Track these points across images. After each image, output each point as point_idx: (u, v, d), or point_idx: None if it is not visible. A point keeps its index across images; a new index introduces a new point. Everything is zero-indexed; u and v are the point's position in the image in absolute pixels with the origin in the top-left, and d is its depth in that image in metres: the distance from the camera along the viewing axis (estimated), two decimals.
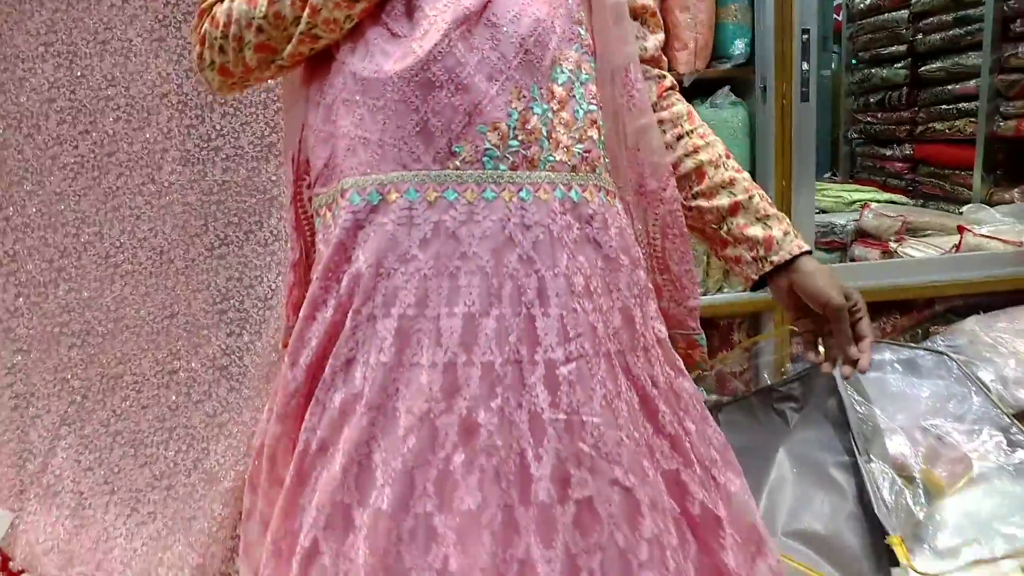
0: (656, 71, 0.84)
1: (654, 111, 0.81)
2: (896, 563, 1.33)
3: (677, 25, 1.64)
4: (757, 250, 0.82)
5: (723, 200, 0.82)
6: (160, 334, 1.33)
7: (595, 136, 0.69)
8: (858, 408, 1.57)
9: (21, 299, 1.32)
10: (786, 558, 1.34)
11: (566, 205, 0.66)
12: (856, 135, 3.22)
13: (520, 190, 0.64)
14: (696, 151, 0.82)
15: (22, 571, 1.33)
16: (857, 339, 0.82)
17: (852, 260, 2.10)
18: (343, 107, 0.66)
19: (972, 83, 2.46)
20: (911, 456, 1.51)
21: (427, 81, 0.63)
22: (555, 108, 0.66)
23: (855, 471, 1.47)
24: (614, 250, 0.68)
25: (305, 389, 0.66)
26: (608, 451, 0.62)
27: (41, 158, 1.28)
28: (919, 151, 2.77)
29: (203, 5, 0.70)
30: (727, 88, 1.75)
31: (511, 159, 0.64)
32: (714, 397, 1.82)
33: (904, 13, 2.73)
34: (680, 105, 0.84)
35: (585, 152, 0.68)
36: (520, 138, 0.64)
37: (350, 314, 0.63)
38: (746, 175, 0.84)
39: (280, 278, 1.35)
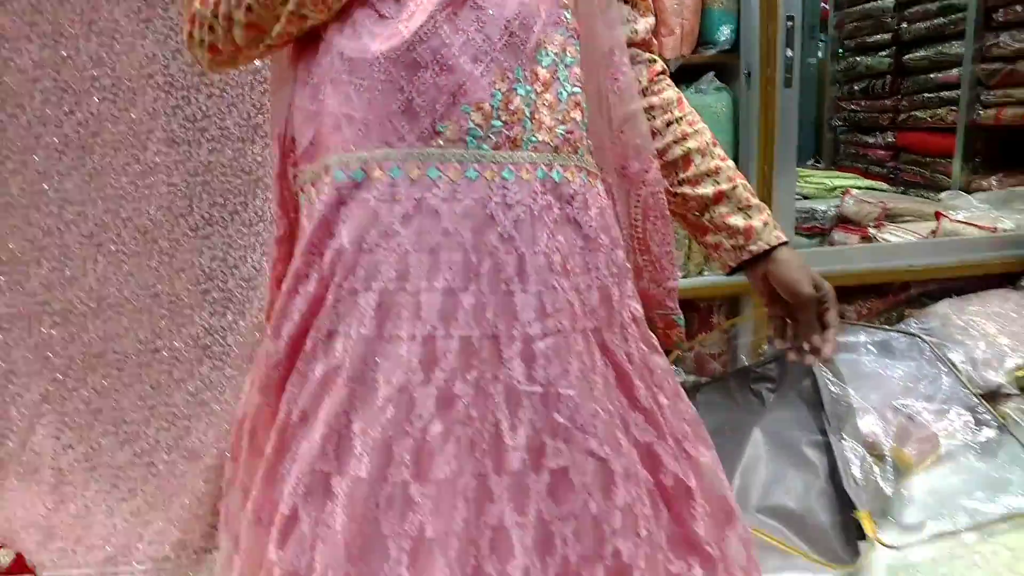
0: (647, 55, 0.85)
1: (644, 95, 0.82)
2: (863, 537, 1.37)
3: (664, 10, 1.65)
4: (737, 239, 0.84)
5: (708, 189, 0.84)
6: (143, 313, 1.33)
7: (578, 118, 0.70)
8: (832, 388, 1.61)
9: (3, 277, 1.32)
10: (759, 533, 1.38)
11: (547, 185, 0.67)
12: (840, 122, 3.24)
13: (502, 170, 0.65)
14: (685, 138, 0.84)
15: (1, 546, 1.34)
16: (823, 328, 0.85)
17: (831, 245, 2.13)
18: (330, 86, 0.67)
19: (954, 72, 2.48)
20: (882, 435, 1.55)
21: (412, 61, 0.64)
22: (539, 90, 0.67)
23: (827, 449, 1.50)
24: (594, 230, 0.69)
25: (287, 361, 0.67)
26: (583, 423, 0.64)
27: (25, 138, 1.28)
28: (901, 139, 2.80)
29: None
30: (712, 74, 1.76)
31: (494, 139, 0.65)
32: (693, 378, 1.85)
33: (889, 1, 2.74)
34: (670, 91, 0.86)
35: (568, 133, 0.69)
36: (503, 118, 0.65)
37: (332, 288, 0.65)
38: (730, 163, 0.86)
39: (264, 258, 1.35)
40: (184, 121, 1.30)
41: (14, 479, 1.33)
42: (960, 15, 2.39)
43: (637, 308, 0.74)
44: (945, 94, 2.54)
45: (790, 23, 1.68)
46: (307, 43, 0.70)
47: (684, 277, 1.82)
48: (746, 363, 1.82)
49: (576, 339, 0.65)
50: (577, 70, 0.70)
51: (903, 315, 1.92)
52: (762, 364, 1.71)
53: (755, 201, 0.85)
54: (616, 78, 0.74)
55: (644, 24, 0.84)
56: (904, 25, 2.69)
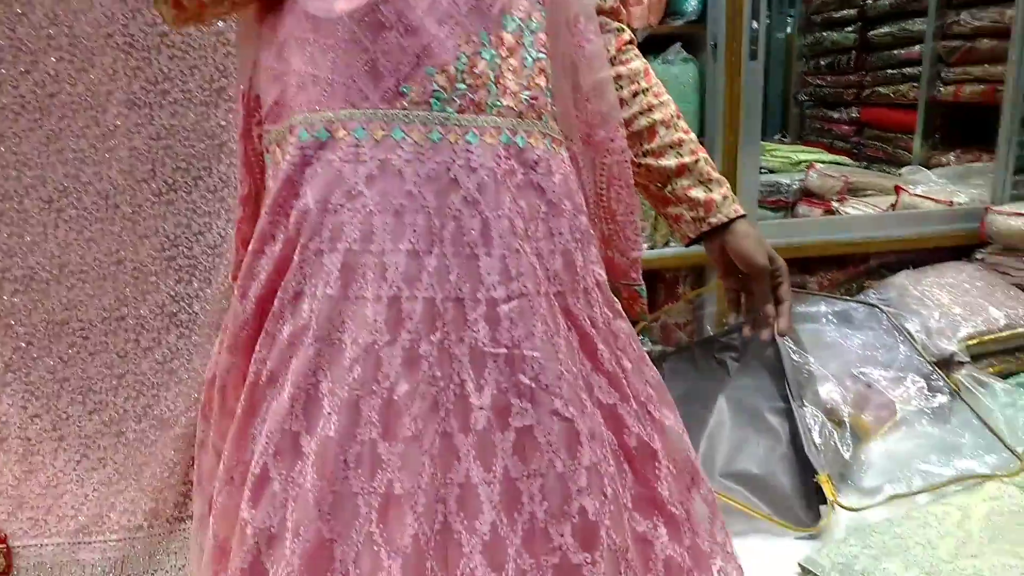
0: (615, 24, 0.85)
1: (612, 64, 0.83)
2: (824, 500, 1.42)
3: None
4: (697, 211, 0.86)
5: (670, 161, 0.85)
6: (107, 280, 1.30)
7: (542, 84, 0.70)
8: (793, 357, 1.65)
9: None
10: (724, 497, 1.41)
11: (511, 150, 0.67)
12: (806, 97, 3.28)
13: (466, 133, 0.65)
14: (650, 109, 0.85)
15: None
16: (777, 302, 0.88)
17: (795, 218, 2.17)
18: (294, 45, 0.66)
19: (916, 48, 2.52)
20: (841, 402, 1.60)
21: (377, 22, 0.63)
22: (503, 55, 0.67)
23: (789, 416, 1.55)
24: (557, 196, 0.70)
25: (255, 321, 0.67)
26: (548, 383, 0.65)
27: None
28: (864, 114, 2.84)
29: None
30: (679, 44, 1.77)
31: (458, 102, 0.65)
32: (659, 347, 1.88)
33: None
34: (637, 62, 0.86)
35: (532, 99, 0.69)
36: (468, 82, 0.65)
37: (298, 249, 0.64)
38: (693, 136, 0.88)
39: (230, 225, 1.33)
40: (145, 83, 1.27)
41: None
42: None
43: (600, 274, 0.75)
44: (907, 70, 2.58)
45: None
46: (273, 1, 0.69)
47: (650, 248, 1.85)
48: (711, 333, 1.85)
49: (540, 302, 0.66)
50: (543, 36, 0.70)
51: (863, 286, 1.97)
52: (726, 334, 1.75)
53: (716, 175, 0.87)
54: (581, 45, 0.74)
55: None
56: (869, 1, 2.72)
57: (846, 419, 1.58)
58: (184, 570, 1.35)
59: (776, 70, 3.31)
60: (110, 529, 1.32)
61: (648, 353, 0.80)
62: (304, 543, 0.60)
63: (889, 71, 2.68)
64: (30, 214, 1.27)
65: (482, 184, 0.65)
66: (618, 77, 0.84)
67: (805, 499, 1.44)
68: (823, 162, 2.42)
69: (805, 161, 2.42)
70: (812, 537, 1.38)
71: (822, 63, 3.06)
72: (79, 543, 1.31)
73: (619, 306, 0.77)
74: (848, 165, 2.54)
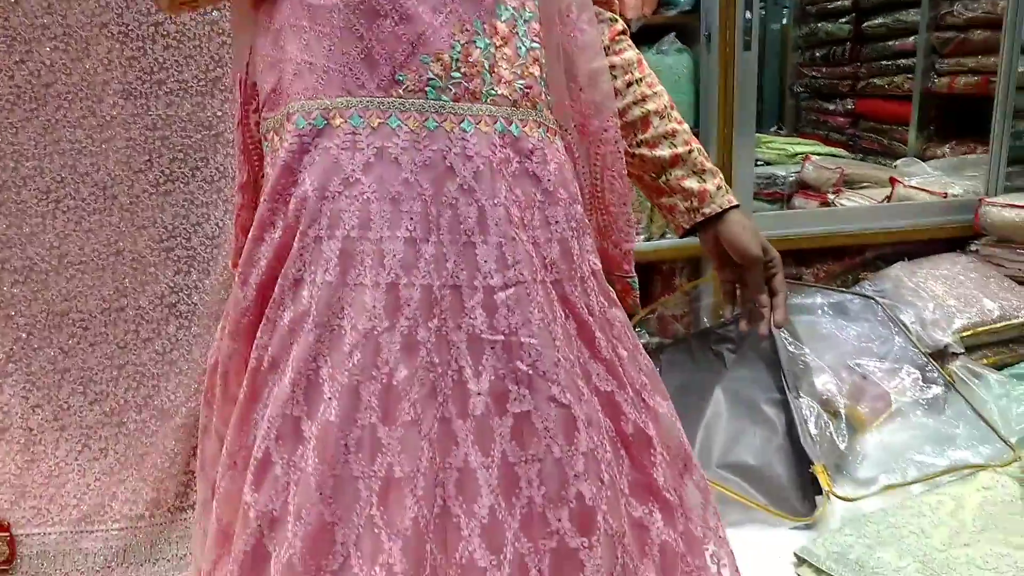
0: (608, 14, 0.85)
1: (606, 54, 0.83)
2: (820, 491, 1.43)
3: None
4: (691, 201, 0.86)
5: (664, 151, 0.85)
6: (106, 271, 1.31)
7: (536, 73, 0.71)
8: (789, 348, 1.66)
9: None
10: (721, 487, 1.42)
11: (506, 139, 0.68)
12: (802, 89, 3.28)
13: (462, 121, 0.66)
14: (644, 100, 0.85)
15: None
16: (772, 293, 0.89)
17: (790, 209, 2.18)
18: (290, 32, 0.66)
19: (911, 40, 2.52)
20: (837, 393, 1.61)
21: (372, 9, 0.64)
22: (497, 44, 0.67)
23: (785, 407, 1.56)
24: (553, 184, 0.70)
25: (256, 308, 0.68)
26: (545, 370, 0.65)
27: None
28: (860, 106, 2.84)
29: None
30: (673, 35, 1.77)
31: (454, 90, 0.66)
32: (656, 339, 1.89)
33: None
34: (631, 52, 0.86)
35: (526, 88, 0.69)
36: (463, 70, 0.66)
37: (297, 235, 0.65)
38: (686, 127, 0.88)
39: (227, 216, 1.34)
40: (141, 73, 1.26)
41: None
42: None
43: (596, 262, 0.75)
44: (902, 62, 2.59)
45: None
46: None
47: (647, 240, 1.85)
48: (707, 324, 1.86)
49: (537, 290, 0.67)
50: (536, 26, 0.70)
51: (858, 278, 1.98)
52: (723, 326, 1.75)
53: (709, 165, 0.88)
54: (574, 35, 0.74)
55: None
56: None
57: (842, 410, 1.59)
58: (185, 559, 1.36)
59: (772, 62, 3.31)
60: (112, 518, 1.33)
61: (645, 345, 0.80)
62: (306, 526, 0.61)
63: (884, 62, 2.68)
64: (28, 205, 1.27)
65: (478, 172, 0.66)
66: (611, 67, 0.84)
67: (801, 489, 1.45)
68: (819, 154, 2.43)
69: (801, 153, 2.43)
70: (808, 527, 1.39)
71: (817, 54, 3.06)
72: (81, 532, 1.32)
73: (614, 295, 0.78)
74: (844, 157, 2.55)
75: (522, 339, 0.65)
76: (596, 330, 0.72)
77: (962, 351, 1.73)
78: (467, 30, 0.65)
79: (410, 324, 0.63)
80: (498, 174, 0.66)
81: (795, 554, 1.29)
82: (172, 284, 1.33)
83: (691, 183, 0.86)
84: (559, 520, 0.65)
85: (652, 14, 1.72)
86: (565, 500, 0.65)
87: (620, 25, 0.87)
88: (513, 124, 0.68)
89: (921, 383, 1.63)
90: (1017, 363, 1.78)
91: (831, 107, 3.00)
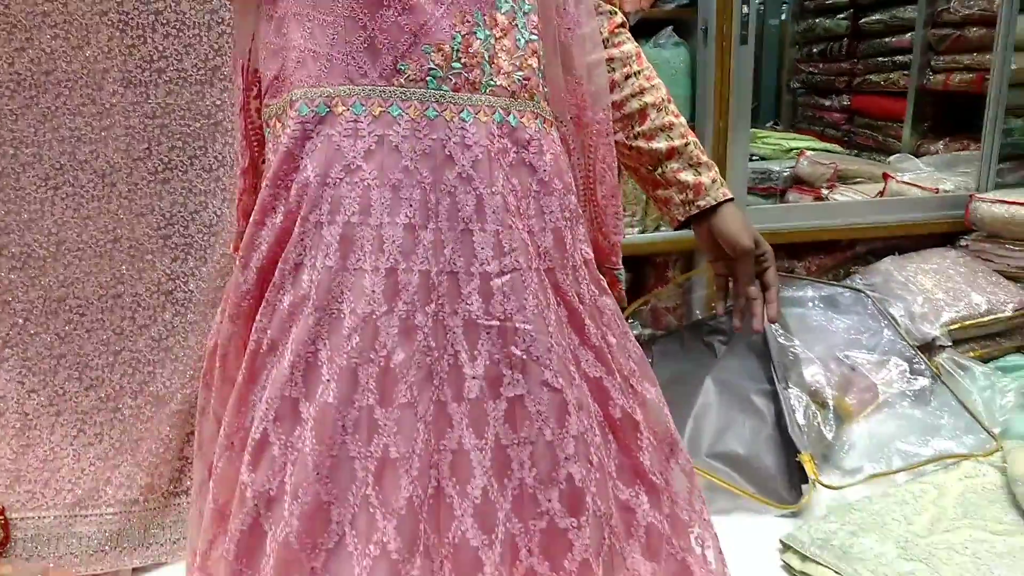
0: (607, 7, 0.86)
1: (605, 47, 0.84)
2: (806, 479, 1.45)
3: None
4: (687, 194, 0.88)
5: (661, 144, 0.87)
6: (103, 258, 1.31)
7: (535, 65, 0.72)
8: (780, 340, 1.68)
9: None
10: (710, 476, 1.45)
11: (504, 129, 0.69)
12: (798, 85, 3.29)
13: (461, 111, 0.67)
14: (642, 92, 0.86)
15: None
16: (764, 288, 0.90)
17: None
18: (294, 21, 0.67)
19: (907, 36, 2.53)
20: (825, 384, 1.63)
21: None
22: (497, 35, 0.68)
23: (774, 397, 1.58)
24: (548, 174, 0.71)
25: (256, 291, 0.69)
26: (539, 355, 0.67)
27: None
28: (855, 102, 2.86)
29: None
30: (670, 28, 1.78)
31: (454, 80, 0.67)
32: (649, 331, 1.91)
33: None
34: (629, 44, 0.87)
35: (524, 80, 0.70)
36: (463, 61, 0.67)
37: (298, 221, 0.66)
38: (683, 120, 0.89)
39: (225, 204, 1.34)
40: (140, 61, 1.27)
41: None
42: None
43: (588, 252, 0.76)
44: (898, 58, 2.60)
45: None
46: None
47: (641, 232, 1.87)
48: (700, 316, 1.88)
49: (531, 277, 0.68)
50: (535, 18, 0.71)
51: (849, 271, 2.00)
52: (715, 317, 1.77)
53: (705, 159, 0.89)
54: (571, 28, 0.75)
55: None
56: None
57: (830, 401, 1.61)
58: (179, 544, 1.37)
59: (770, 58, 3.32)
60: (106, 503, 1.34)
61: (638, 336, 0.81)
62: (302, 505, 0.62)
63: (880, 59, 2.69)
64: (27, 191, 1.28)
65: (476, 161, 0.67)
66: (610, 59, 0.85)
67: (788, 478, 1.47)
68: (814, 149, 2.45)
69: (796, 148, 2.45)
70: (794, 515, 1.41)
71: (814, 50, 3.07)
72: (76, 516, 1.33)
73: (605, 283, 0.79)
74: (838, 153, 2.57)
75: (517, 325, 0.66)
76: (586, 317, 0.73)
77: (950, 344, 1.75)
78: (468, 21, 0.67)
79: (408, 308, 0.64)
80: (496, 163, 0.68)
81: (781, 540, 1.32)
82: (169, 272, 1.34)
83: (687, 176, 0.88)
84: (549, 501, 0.66)
85: (650, 7, 1.73)
86: (555, 481, 0.67)
87: (619, 18, 0.88)
88: (511, 115, 0.69)
89: (908, 375, 1.66)
90: (1003, 356, 1.81)
91: (827, 103, 3.01)
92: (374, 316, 0.64)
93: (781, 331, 1.70)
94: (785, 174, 2.28)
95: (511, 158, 0.69)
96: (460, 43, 0.66)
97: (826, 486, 1.45)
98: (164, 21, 1.26)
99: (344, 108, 0.66)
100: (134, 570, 1.36)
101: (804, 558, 1.26)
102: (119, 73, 1.27)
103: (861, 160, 2.51)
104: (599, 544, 0.68)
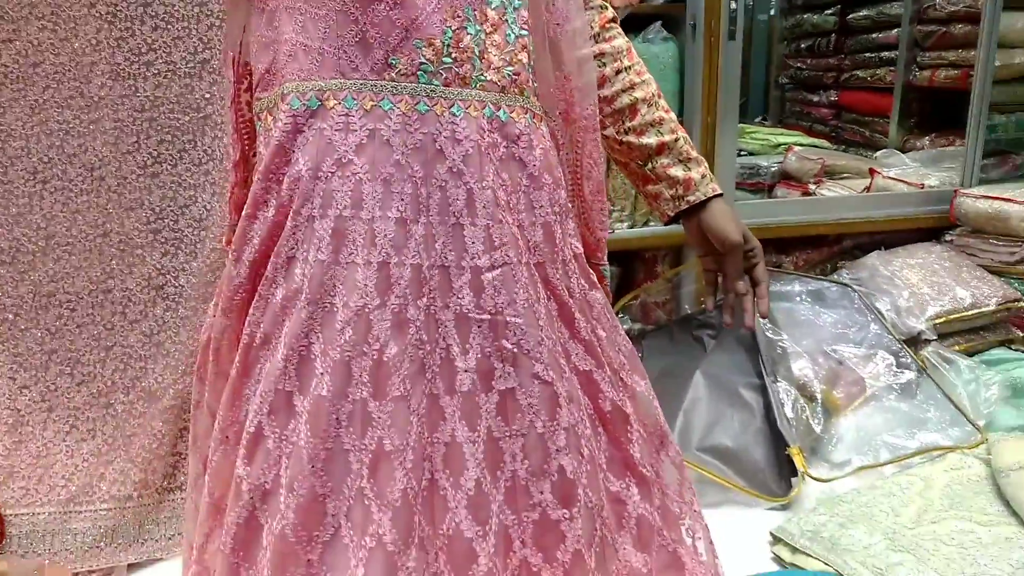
0: (598, 2, 0.87)
1: (596, 41, 0.84)
2: (795, 472, 1.47)
3: None
4: (677, 189, 0.88)
5: (651, 139, 0.87)
6: (93, 252, 1.30)
7: (524, 60, 0.72)
8: (768, 334, 1.70)
9: None
10: (700, 469, 1.46)
11: (494, 124, 0.69)
12: (787, 80, 3.30)
13: (452, 106, 0.67)
14: (632, 87, 0.86)
15: None
16: (754, 283, 0.91)
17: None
18: (285, 14, 0.68)
19: (894, 32, 2.55)
20: (813, 378, 1.65)
21: None
22: (487, 31, 0.69)
23: (763, 391, 1.60)
24: (538, 169, 0.72)
25: (248, 284, 0.69)
26: (529, 348, 0.67)
27: None
28: (843, 98, 2.87)
29: None
30: (659, 23, 1.79)
31: (444, 75, 0.67)
32: (639, 326, 1.92)
33: None
34: (620, 39, 0.88)
35: (514, 75, 0.71)
36: (453, 55, 0.67)
37: (290, 214, 0.66)
38: (673, 116, 0.90)
39: (215, 199, 1.34)
40: (129, 54, 1.26)
41: None
42: None
43: (577, 246, 0.77)
44: (885, 54, 2.61)
45: None
46: None
47: (630, 227, 1.87)
48: (688, 311, 1.90)
49: (522, 271, 0.68)
50: (524, 13, 0.72)
51: (836, 266, 2.02)
52: (704, 312, 1.79)
53: (694, 154, 0.90)
54: (560, 23, 0.76)
55: None
56: None
57: (818, 394, 1.63)
58: (173, 540, 1.37)
59: (759, 53, 3.33)
60: (100, 499, 1.33)
61: (627, 331, 0.81)
62: (298, 498, 0.62)
63: (867, 55, 2.71)
64: (15, 185, 1.27)
65: (467, 156, 0.67)
66: (601, 55, 0.86)
67: (777, 471, 1.49)
68: (802, 145, 2.46)
69: (784, 144, 2.46)
70: (784, 507, 1.43)
71: (802, 46, 3.08)
72: (70, 512, 1.33)
73: (594, 278, 0.80)
74: (826, 148, 2.58)
75: (507, 318, 0.67)
76: (576, 311, 0.74)
77: (935, 338, 1.77)
78: (458, 16, 0.67)
79: (400, 302, 0.65)
80: (486, 158, 0.68)
81: (771, 533, 1.33)
82: (159, 266, 1.33)
83: (676, 171, 0.88)
84: (541, 493, 0.67)
85: (639, 2, 1.74)
86: (547, 473, 0.67)
87: (610, 12, 0.88)
88: (501, 109, 0.70)
89: (895, 368, 1.68)
90: (987, 349, 1.83)
91: (815, 99, 3.03)
92: (367, 310, 0.64)
93: (769, 325, 1.71)
94: (773, 169, 2.30)
95: (501, 153, 0.70)
96: (451, 38, 0.67)
97: (815, 479, 1.46)
98: (152, 13, 1.26)
99: (336, 102, 0.66)
100: (129, 566, 1.36)
101: (794, 550, 1.28)
102: (107, 66, 1.26)
103: (848, 155, 2.53)
104: (591, 535, 0.69)
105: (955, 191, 1.99)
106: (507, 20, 0.70)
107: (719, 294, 0.95)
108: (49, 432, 1.33)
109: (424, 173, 0.66)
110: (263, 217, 0.68)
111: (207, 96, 1.30)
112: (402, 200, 0.66)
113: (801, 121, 3.14)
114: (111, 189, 1.30)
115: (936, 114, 2.48)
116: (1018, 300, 1.84)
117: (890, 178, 2.11)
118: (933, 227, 2.03)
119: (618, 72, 0.87)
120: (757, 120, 3.25)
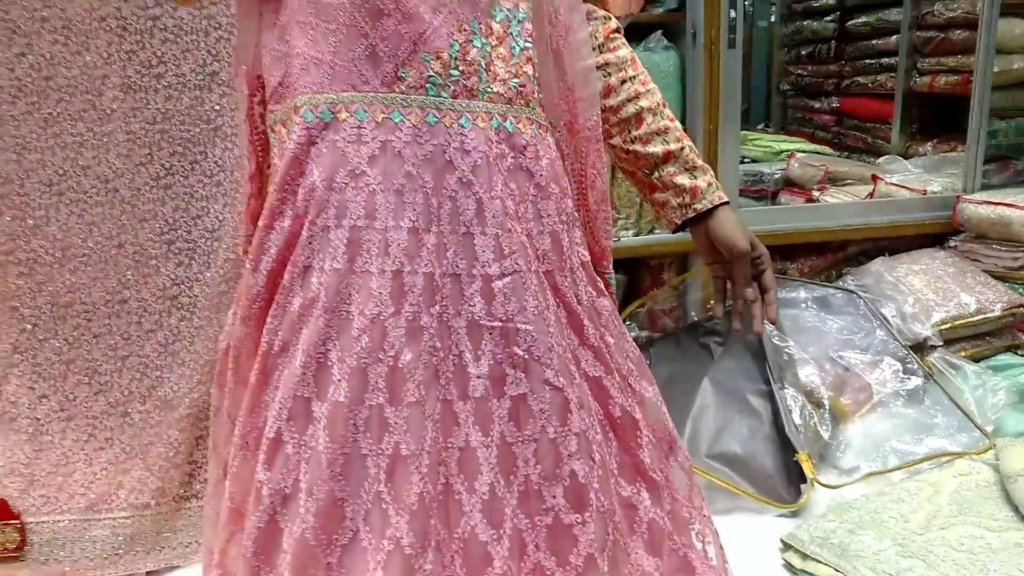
0: (602, 12, 0.88)
1: (600, 52, 0.86)
2: (804, 479, 1.47)
3: None
4: (683, 197, 0.90)
5: (657, 148, 0.88)
6: (108, 263, 1.32)
7: (530, 72, 0.73)
8: (775, 341, 1.70)
9: None
10: (709, 476, 1.46)
11: (501, 135, 0.71)
12: (788, 87, 3.31)
13: (460, 117, 0.69)
14: (637, 97, 0.88)
15: None
16: (762, 290, 0.92)
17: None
18: (297, 28, 0.69)
19: (893, 39, 2.56)
20: (820, 384, 1.65)
21: (376, 8, 0.67)
22: (493, 43, 0.70)
23: (770, 398, 1.60)
24: (545, 179, 0.73)
25: (266, 293, 0.70)
26: (540, 355, 0.68)
27: None
28: (844, 104, 2.88)
29: None
30: (660, 32, 1.80)
31: (452, 87, 0.68)
32: (646, 333, 1.92)
33: None
34: (624, 49, 0.89)
35: (520, 86, 0.72)
36: (461, 68, 0.68)
37: (306, 224, 0.68)
38: (678, 124, 0.91)
39: (227, 209, 1.35)
40: (140, 67, 1.28)
41: None
42: None
43: (584, 254, 0.78)
44: (885, 60, 2.62)
45: None
46: None
47: (636, 235, 1.88)
48: (695, 318, 1.90)
49: (531, 279, 0.70)
50: (529, 26, 0.73)
51: (841, 272, 2.03)
52: (710, 319, 1.79)
53: (700, 162, 0.91)
54: (564, 35, 0.77)
55: None
56: None
57: (825, 401, 1.63)
58: (191, 547, 1.38)
59: (759, 60, 3.34)
60: (119, 507, 1.35)
61: (635, 339, 0.82)
62: (317, 502, 0.63)
63: (867, 61, 2.71)
64: (31, 197, 1.28)
65: (476, 166, 0.69)
66: (606, 64, 0.87)
67: (786, 478, 1.49)
68: (804, 151, 2.47)
69: (787, 151, 2.47)
70: (793, 514, 1.43)
71: (803, 53, 3.09)
72: (90, 520, 1.34)
73: (602, 285, 0.81)
74: (828, 155, 2.59)
75: (518, 325, 0.68)
76: (584, 318, 0.75)
77: (941, 343, 1.77)
78: (464, 29, 0.68)
79: (414, 310, 0.66)
80: (494, 168, 0.69)
81: (781, 540, 1.33)
82: (174, 276, 1.35)
83: (683, 179, 0.89)
84: (554, 497, 0.68)
85: (639, 12, 1.75)
86: (560, 478, 0.68)
87: (614, 23, 0.89)
88: (508, 120, 0.71)
89: (901, 374, 1.68)
90: (993, 355, 1.83)
91: (817, 105, 3.04)
92: (382, 317, 0.65)
93: (776, 332, 1.72)
94: (776, 176, 2.31)
95: (509, 163, 0.71)
96: (458, 51, 0.68)
97: (824, 485, 1.46)
98: (162, 26, 1.27)
99: (348, 114, 0.68)
100: (148, 573, 1.37)
101: (805, 556, 1.28)
102: (119, 78, 1.28)
103: (851, 162, 2.54)
104: (603, 539, 0.70)
105: (957, 197, 1.99)
106: (512, 33, 0.72)
107: (727, 301, 0.96)
108: (68, 441, 1.34)
109: (435, 184, 0.68)
110: (279, 227, 0.69)
111: (217, 108, 1.32)
112: (414, 210, 0.67)
113: (803, 128, 3.14)
114: (125, 200, 1.32)
115: (937, 120, 2.49)
116: (1023, 305, 1.84)
117: (893, 184, 2.11)
118: (936, 233, 2.04)
119: (623, 82, 0.88)
120: (759, 127, 3.26)
